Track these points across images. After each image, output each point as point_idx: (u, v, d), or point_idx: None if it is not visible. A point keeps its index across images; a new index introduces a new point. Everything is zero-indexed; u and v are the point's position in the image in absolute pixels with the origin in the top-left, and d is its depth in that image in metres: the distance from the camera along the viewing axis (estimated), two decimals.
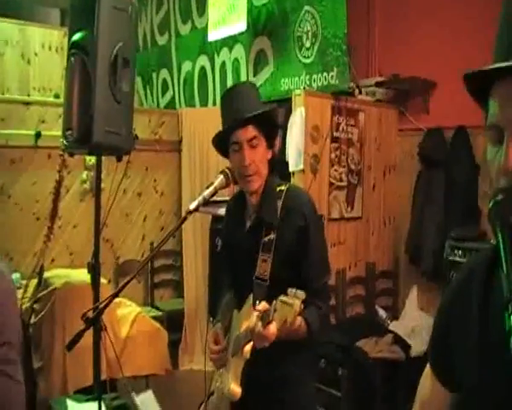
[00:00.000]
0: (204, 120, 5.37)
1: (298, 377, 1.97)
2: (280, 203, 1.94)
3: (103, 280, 3.04)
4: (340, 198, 4.39)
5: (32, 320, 3.39)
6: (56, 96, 6.00)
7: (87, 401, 2.61)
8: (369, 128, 4.61)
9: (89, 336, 2.17)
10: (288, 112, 4.15)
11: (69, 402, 2.61)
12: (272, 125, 1.99)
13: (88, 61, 2.40)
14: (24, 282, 4.00)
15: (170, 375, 4.13)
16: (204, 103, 5.82)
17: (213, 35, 5.50)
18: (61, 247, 5.06)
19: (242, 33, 5.12)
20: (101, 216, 2.60)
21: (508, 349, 0.68)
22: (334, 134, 4.30)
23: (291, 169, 4.04)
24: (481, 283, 0.96)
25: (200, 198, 1.86)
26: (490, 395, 0.89)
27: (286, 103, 4.22)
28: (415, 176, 4.61)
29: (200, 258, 5.41)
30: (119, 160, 2.64)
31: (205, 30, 5.64)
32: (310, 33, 4.45)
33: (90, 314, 1.90)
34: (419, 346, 3.95)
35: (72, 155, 2.73)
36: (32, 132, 4.79)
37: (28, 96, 6.32)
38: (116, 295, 1.92)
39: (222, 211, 2.76)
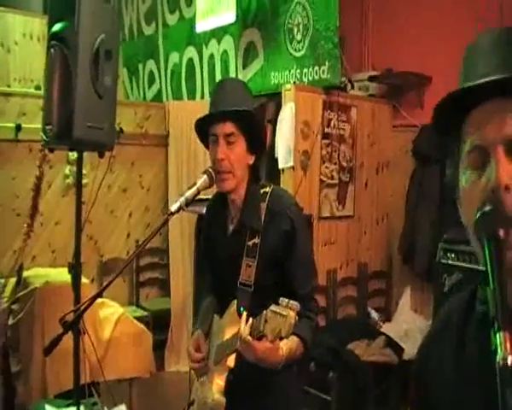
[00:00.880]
0: (192, 114, 5.31)
1: (282, 382, 1.96)
2: (264, 206, 1.94)
3: (85, 280, 3.02)
4: (332, 196, 4.39)
5: (11, 322, 3.36)
6: (38, 88, 5.93)
7: (67, 406, 2.60)
8: (361, 124, 4.61)
9: (69, 338, 2.16)
10: (278, 107, 4.15)
11: (48, 407, 2.60)
12: (254, 127, 1.96)
13: (68, 54, 2.37)
14: (2, 281, 3.97)
15: (155, 377, 4.12)
16: (192, 96, 5.80)
17: (201, 26, 5.47)
18: (42, 244, 5.03)
19: (231, 24, 5.10)
20: (83, 213, 2.58)
21: (492, 373, 0.68)
22: (326, 130, 4.30)
23: (280, 166, 4.04)
24: (455, 337, 0.96)
25: (182, 199, 1.84)
26: None
27: (276, 98, 4.22)
28: (409, 173, 4.62)
29: (186, 256, 5.40)
30: (101, 156, 2.62)
31: (193, 20, 5.61)
32: (301, 25, 4.43)
33: (70, 317, 1.89)
34: (412, 349, 3.96)
35: (51, 150, 2.71)
36: (12, 125, 4.75)
37: (8, 87, 6.22)
38: (97, 296, 1.90)
39: None
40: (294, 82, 4.37)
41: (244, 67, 5.03)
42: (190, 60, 5.77)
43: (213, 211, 2.16)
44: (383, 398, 3.88)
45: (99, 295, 1.90)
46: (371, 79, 4.67)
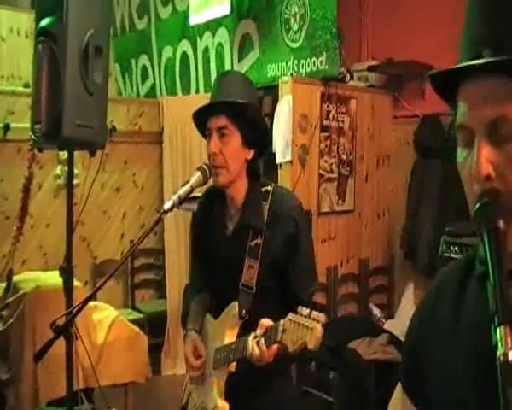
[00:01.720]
0: (186, 109, 5.28)
1: (279, 385, 1.96)
2: (266, 206, 1.92)
3: (78, 283, 3.02)
4: (331, 191, 4.39)
5: (0, 328, 3.35)
6: (26, 86, 5.90)
7: None
8: (361, 116, 4.61)
9: (61, 343, 2.16)
10: (275, 100, 4.14)
11: None
12: (248, 120, 1.92)
13: (57, 50, 2.37)
14: None
15: (151, 382, 4.12)
16: (186, 91, 5.79)
17: (195, 18, 5.45)
18: (33, 247, 5.02)
19: (226, 16, 5.08)
20: (75, 214, 2.58)
21: (493, 364, 0.68)
22: (324, 123, 4.30)
23: (278, 161, 4.04)
24: (452, 300, 0.97)
25: (176, 197, 1.83)
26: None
27: (272, 91, 4.21)
28: (410, 166, 4.62)
29: (183, 256, 5.39)
30: (92, 155, 2.62)
31: (186, 13, 5.59)
32: (297, 16, 4.43)
33: (61, 322, 1.89)
34: None
35: (40, 150, 2.71)
36: (0, 124, 4.74)
37: None
38: (89, 299, 1.90)
39: None
40: (291, 74, 4.37)
41: (240, 59, 5.03)
42: (184, 53, 5.76)
43: (208, 207, 2.11)
44: (385, 397, 3.87)
45: (91, 297, 1.90)
46: (371, 69, 4.66)
